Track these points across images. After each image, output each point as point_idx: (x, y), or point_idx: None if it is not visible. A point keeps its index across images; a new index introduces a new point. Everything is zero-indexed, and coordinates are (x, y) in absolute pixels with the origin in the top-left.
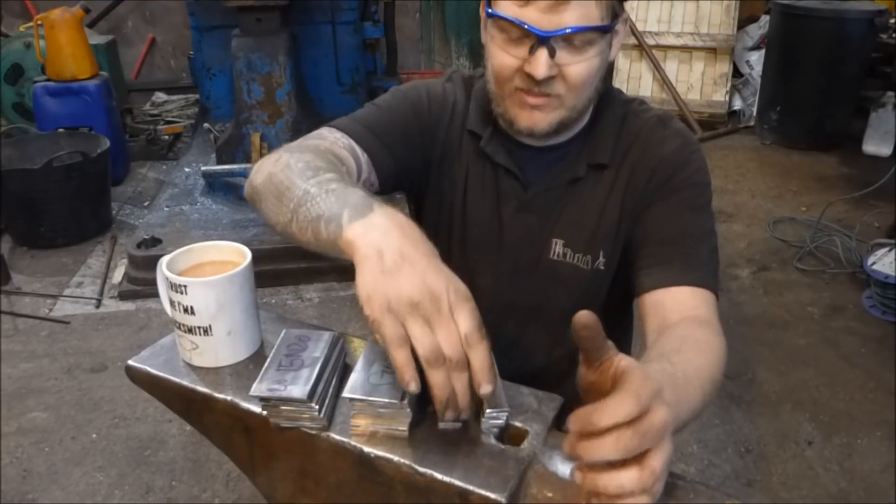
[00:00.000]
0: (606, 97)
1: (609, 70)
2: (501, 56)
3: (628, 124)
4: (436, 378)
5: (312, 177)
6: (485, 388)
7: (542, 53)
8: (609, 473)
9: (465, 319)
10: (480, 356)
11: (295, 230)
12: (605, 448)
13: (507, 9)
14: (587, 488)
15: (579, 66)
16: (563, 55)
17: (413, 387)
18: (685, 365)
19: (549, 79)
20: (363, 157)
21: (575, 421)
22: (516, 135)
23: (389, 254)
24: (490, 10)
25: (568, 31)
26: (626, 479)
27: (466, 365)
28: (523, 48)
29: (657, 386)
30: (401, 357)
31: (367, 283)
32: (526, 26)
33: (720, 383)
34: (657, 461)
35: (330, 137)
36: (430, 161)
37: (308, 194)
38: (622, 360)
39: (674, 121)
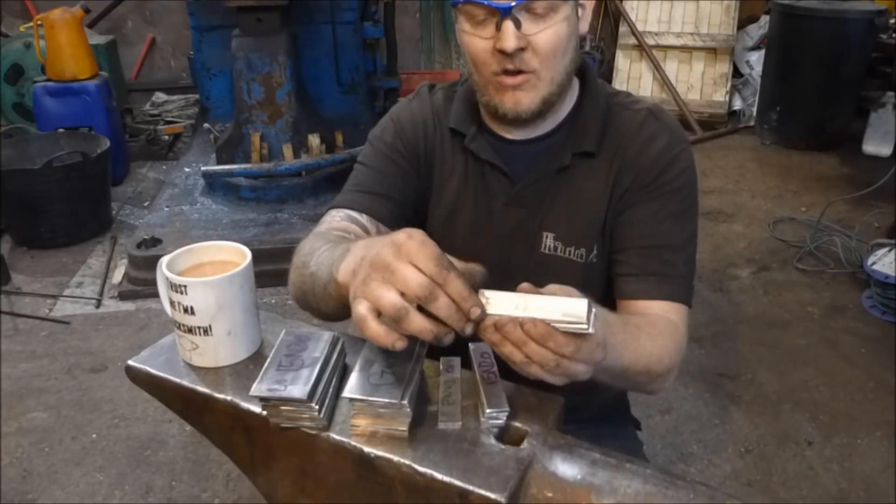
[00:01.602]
0: (589, 87)
1: (602, 66)
2: (473, 41)
3: (616, 115)
4: (412, 327)
5: (311, 260)
6: (474, 312)
7: (508, 26)
8: None
9: (422, 260)
10: (455, 287)
11: (325, 309)
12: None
13: None
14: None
15: (547, 34)
16: (528, 25)
17: (399, 345)
18: (637, 320)
19: (521, 51)
20: (363, 217)
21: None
22: (502, 121)
23: (360, 268)
24: (454, 1)
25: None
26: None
27: (439, 291)
28: (490, 27)
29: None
30: (369, 331)
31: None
32: (486, 3)
33: (662, 375)
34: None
35: (327, 219)
36: (420, 175)
37: (313, 275)
38: None
39: (664, 113)
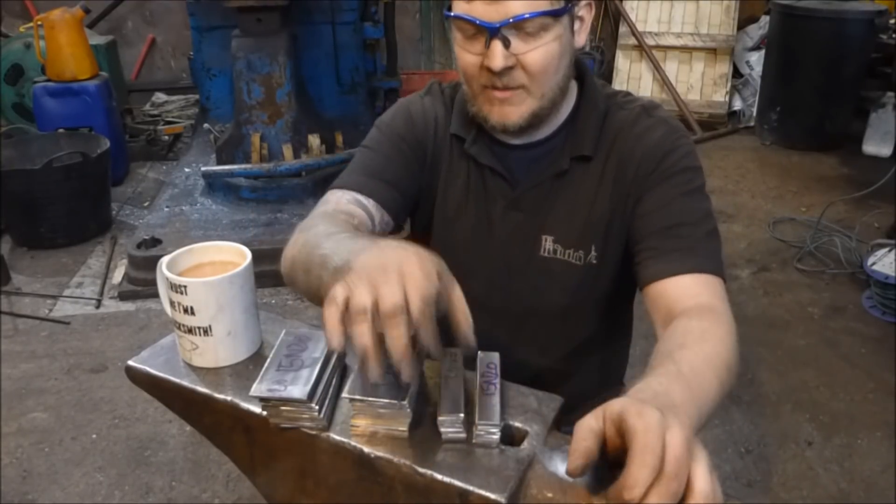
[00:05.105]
0: (587, 90)
1: (607, 69)
2: (463, 55)
3: (612, 116)
4: (394, 330)
5: (326, 241)
6: (405, 371)
7: (496, 45)
8: None
9: (413, 290)
10: (428, 331)
11: (325, 293)
12: None
13: (458, 7)
14: None
15: (536, 53)
16: (517, 44)
17: (334, 342)
18: (692, 357)
19: (509, 69)
20: (369, 202)
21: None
22: (492, 132)
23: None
24: (446, 12)
25: (515, 20)
26: None
27: (403, 320)
28: (479, 44)
29: (657, 417)
30: (326, 313)
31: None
32: (474, 20)
33: (737, 368)
34: (700, 480)
35: (332, 199)
36: (424, 172)
37: (325, 257)
38: (615, 408)
39: (659, 109)
